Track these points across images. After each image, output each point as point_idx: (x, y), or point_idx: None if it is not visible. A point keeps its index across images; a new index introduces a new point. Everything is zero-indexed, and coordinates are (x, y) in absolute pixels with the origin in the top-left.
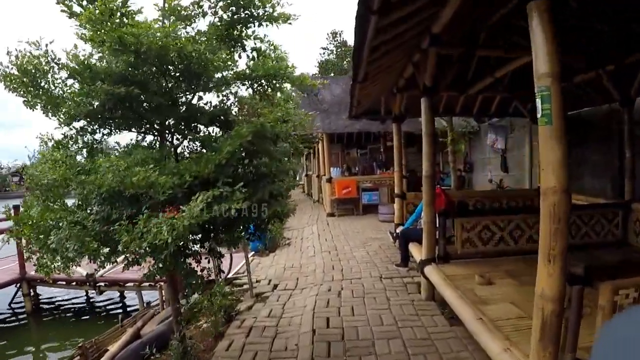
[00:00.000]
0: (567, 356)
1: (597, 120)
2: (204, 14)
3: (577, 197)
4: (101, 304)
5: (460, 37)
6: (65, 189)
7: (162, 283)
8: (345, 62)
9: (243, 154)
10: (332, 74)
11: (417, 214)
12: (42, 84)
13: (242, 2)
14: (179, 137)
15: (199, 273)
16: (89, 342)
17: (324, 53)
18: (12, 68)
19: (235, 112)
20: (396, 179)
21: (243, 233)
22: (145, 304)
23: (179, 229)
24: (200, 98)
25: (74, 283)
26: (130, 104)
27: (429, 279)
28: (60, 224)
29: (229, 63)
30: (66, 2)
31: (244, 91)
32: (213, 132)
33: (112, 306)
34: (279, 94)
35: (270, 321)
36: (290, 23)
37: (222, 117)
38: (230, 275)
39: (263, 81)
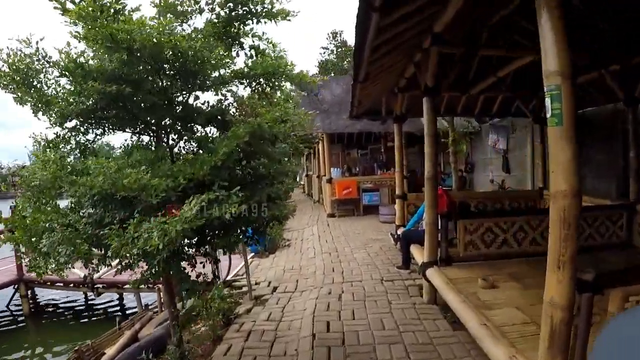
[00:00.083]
0: None
1: (601, 120)
2: (201, 11)
3: None
4: (100, 306)
5: (462, 37)
6: (57, 191)
7: (160, 285)
8: (345, 62)
9: (240, 155)
10: (332, 74)
11: (419, 216)
12: (34, 83)
13: None
14: (175, 137)
15: (193, 278)
16: (85, 346)
17: (324, 53)
18: (3, 66)
19: (233, 112)
20: (397, 180)
21: (241, 237)
22: (143, 306)
23: (170, 234)
24: (197, 97)
25: (71, 285)
26: (123, 103)
27: (431, 282)
28: (52, 226)
29: (227, 60)
30: None
31: (242, 90)
32: (210, 132)
33: (111, 308)
34: (278, 93)
35: (269, 325)
36: (289, 20)
37: (219, 117)
38: (229, 278)
39: (262, 80)
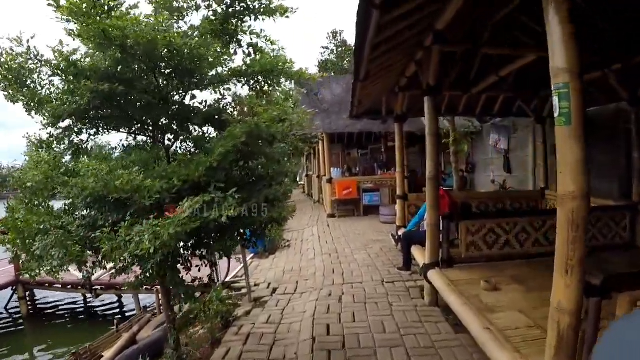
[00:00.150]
0: None
1: (603, 119)
2: (197, 7)
3: None
4: (99, 308)
5: (464, 35)
6: (50, 192)
7: (159, 286)
8: (345, 61)
9: (237, 156)
10: (333, 74)
11: (420, 216)
12: (28, 82)
13: None
14: (172, 137)
15: (188, 283)
16: (82, 349)
17: (324, 52)
18: None
19: (231, 111)
20: (398, 180)
21: (239, 239)
22: (142, 308)
23: (163, 237)
24: (193, 97)
25: (69, 286)
26: (117, 103)
27: (432, 284)
28: (46, 229)
29: (225, 58)
30: None
31: (240, 88)
32: (208, 132)
33: (111, 310)
34: (278, 93)
35: (268, 328)
36: (287, 17)
37: (217, 117)
38: (228, 279)
39: (260, 77)
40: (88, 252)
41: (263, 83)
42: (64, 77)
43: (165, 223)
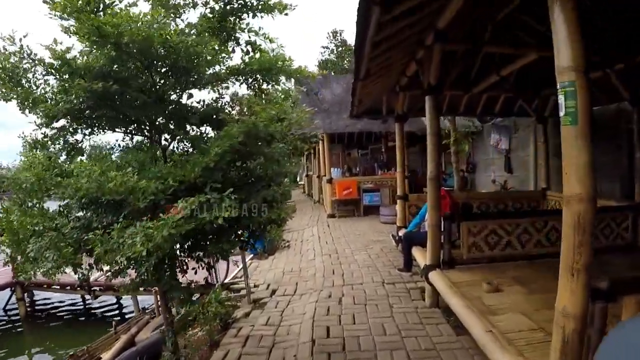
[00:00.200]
0: None
1: (604, 119)
2: (194, 5)
3: None
4: (98, 310)
5: (465, 33)
6: (44, 193)
7: (157, 287)
8: (345, 61)
9: (235, 156)
10: (333, 73)
11: (421, 217)
12: (23, 82)
13: None
14: (169, 137)
15: (185, 284)
16: (80, 351)
17: (324, 52)
18: None
19: (229, 110)
20: (398, 180)
21: (236, 241)
22: (140, 309)
23: (156, 239)
24: (190, 95)
25: (68, 287)
26: (111, 102)
27: (433, 286)
28: (40, 230)
29: (223, 55)
30: None
31: (239, 87)
32: (205, 132)
33: (110, 311)
34: (277, 91)
35: (267, 330)
36: (286, 14)
37: (215, 117)
38: (227, 280)
39: (258, 76)
40: (82, 254)
41: (262, 81)
42: (58, 76)
43: (159, 225)
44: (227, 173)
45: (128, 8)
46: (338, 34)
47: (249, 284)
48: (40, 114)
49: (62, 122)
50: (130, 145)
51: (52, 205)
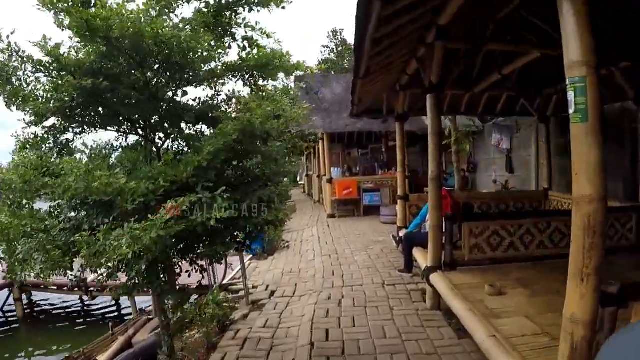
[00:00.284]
0: None
1: (608, 118)
2: None
3: None
4: (97, 311)
5: (467, 31)
6: (34, 193)
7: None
8: (345, 60)
9: (230, 155)
10: (333, 73)
11: (422, 217)
12: (13, 80)
13: None
14: (162, 136)
15: (180, 286)
16: (76, 352)
17: (324, 51)
18: None
19: (226, 108)
20: (399, 180)
21: (232, 242)
22: (138, 310)
23: (143, 241)
24: (185, 93)
25: (65, 288)
26: (102, 99)
27: (434, 287)
28: (29, 232)
29: (219, 51)
30: None
31: (235, 84)
32: (201, 130)
33: (108, 312)
34: (275, 87)
35: (266, 332)
36: (283, 7)
37: (210, 114)
38: (225, 281)
39: (255, 72)
40: (70, 256)
41: (258, 77)
42: (48, 73)
43: (146, 226)
44: (222, 172)
45: (125, 3)
46: (338, 33)
47: (248, 285)
48: (30, 111)
49: (52, 120)
50: (124, 145)
51: (45, 206)
